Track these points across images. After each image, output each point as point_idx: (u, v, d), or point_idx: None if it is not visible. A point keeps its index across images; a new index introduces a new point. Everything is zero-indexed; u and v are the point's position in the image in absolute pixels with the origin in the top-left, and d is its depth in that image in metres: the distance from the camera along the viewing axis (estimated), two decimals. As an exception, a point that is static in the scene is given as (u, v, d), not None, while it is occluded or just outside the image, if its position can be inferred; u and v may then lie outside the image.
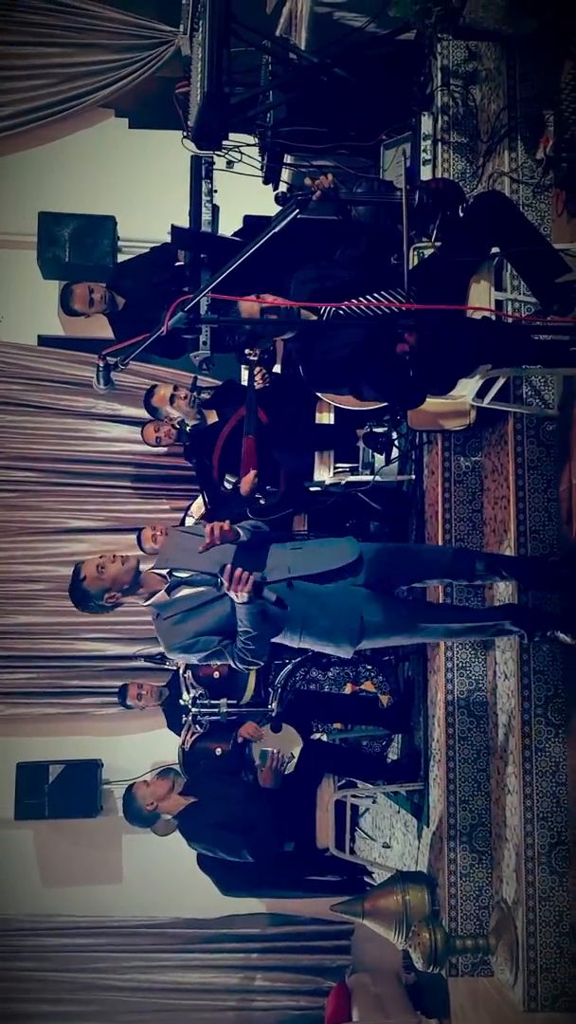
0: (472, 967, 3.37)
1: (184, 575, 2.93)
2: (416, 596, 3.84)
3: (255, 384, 3.72)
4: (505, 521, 3.39)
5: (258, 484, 3.75)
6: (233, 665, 2.99)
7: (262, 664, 3.22)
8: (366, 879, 4.32)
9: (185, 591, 2.92)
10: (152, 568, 3.05)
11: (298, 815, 4.04)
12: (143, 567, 3.07)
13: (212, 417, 4.46)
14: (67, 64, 5.74)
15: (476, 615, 3.15)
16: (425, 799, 3.81)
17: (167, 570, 2.97)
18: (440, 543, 3.71)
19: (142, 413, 5.01)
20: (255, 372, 3.67)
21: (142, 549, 4.93)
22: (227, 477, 3.93)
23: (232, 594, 2.73)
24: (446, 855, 3.49)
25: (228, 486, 3.91)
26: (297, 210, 2.46)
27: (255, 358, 3.17)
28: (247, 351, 3.10)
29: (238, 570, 2.69)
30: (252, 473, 3.68)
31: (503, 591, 3.42)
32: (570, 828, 3.12)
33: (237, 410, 3.99)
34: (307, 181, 3.18)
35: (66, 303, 4.83)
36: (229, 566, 2.70)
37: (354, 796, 4.32)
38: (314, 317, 2.99)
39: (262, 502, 3.86)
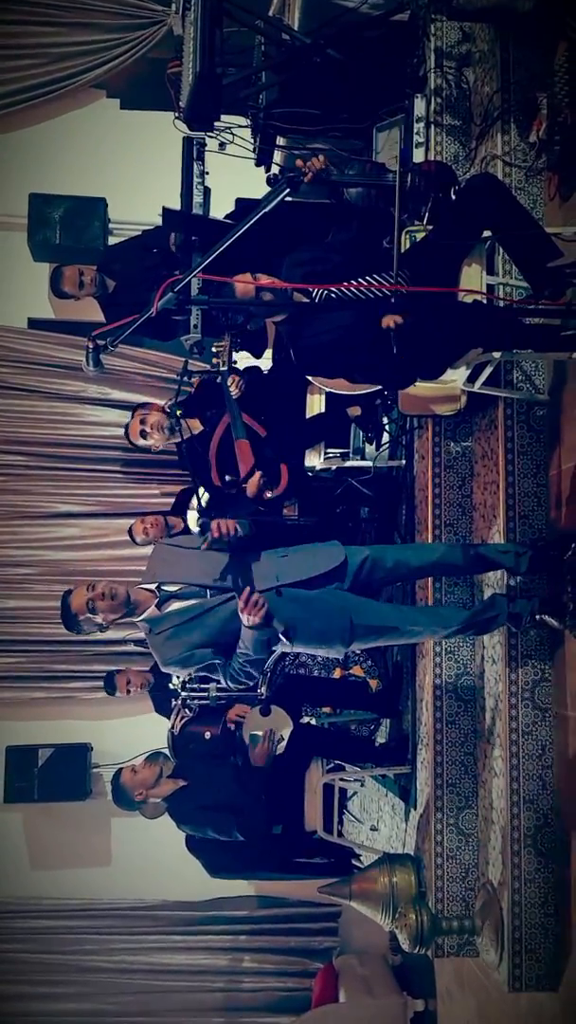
0: (458, 948, 3.41)
1: (173, 588, 2.93)
2: (406, 592, 3.84)
3: (231, 393, 3.68)
4: (495, 506, 3.40)
5: (264, 483, 3.74)
6: (224, 683, 2.98)
7: (252, 684, 3.22)
8: (354, 861, 4.34)
9: (175, 605, 2.92)
10: (140, 584, 3.04)
11: (287, 798, 4.06)
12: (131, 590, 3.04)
13: (196, 426, 4.40)
14: (58, 44, 5.68)
15: (463, 615, 3.16)
16: (413, 782, 3.84)
17: (155, 584, 2.97)
18: (430, 528, 3.71)
19: (133, 397, 4.98)
20: (228, 381, 3.63)
21: (135, 542, 4.91)
22: (227, 479, 3.90)
23: (244, 617, 2.72)
24: (433, 837, 3.51)
25: (232, 490, 3.88)
26: (288, 189, 2.43)
27: (224, 367, 3.15)
28: (213, 358, 3.09)
29: (256, 595, 2.69)
30: (258, 474, 3.67)
31: (491, 576, 3.43)
32: (555, 811, 3.14)
33: (222, 414, 3.94)
34: (298, 163, 3.16)
35: (56, 285, 4.77)
36: (248, 590, 2.70)
37: (342, 779, 4.34)
38: (306, 300, 2.98)
39: (268, 495, 3.86)
